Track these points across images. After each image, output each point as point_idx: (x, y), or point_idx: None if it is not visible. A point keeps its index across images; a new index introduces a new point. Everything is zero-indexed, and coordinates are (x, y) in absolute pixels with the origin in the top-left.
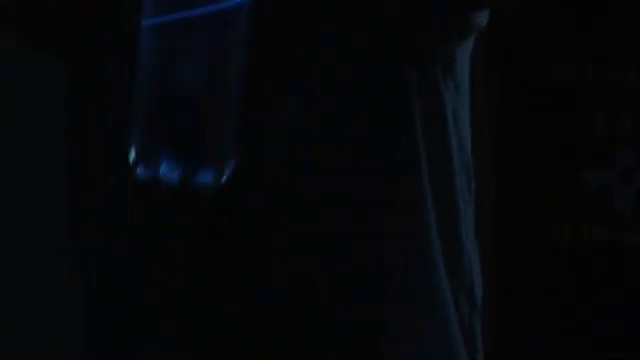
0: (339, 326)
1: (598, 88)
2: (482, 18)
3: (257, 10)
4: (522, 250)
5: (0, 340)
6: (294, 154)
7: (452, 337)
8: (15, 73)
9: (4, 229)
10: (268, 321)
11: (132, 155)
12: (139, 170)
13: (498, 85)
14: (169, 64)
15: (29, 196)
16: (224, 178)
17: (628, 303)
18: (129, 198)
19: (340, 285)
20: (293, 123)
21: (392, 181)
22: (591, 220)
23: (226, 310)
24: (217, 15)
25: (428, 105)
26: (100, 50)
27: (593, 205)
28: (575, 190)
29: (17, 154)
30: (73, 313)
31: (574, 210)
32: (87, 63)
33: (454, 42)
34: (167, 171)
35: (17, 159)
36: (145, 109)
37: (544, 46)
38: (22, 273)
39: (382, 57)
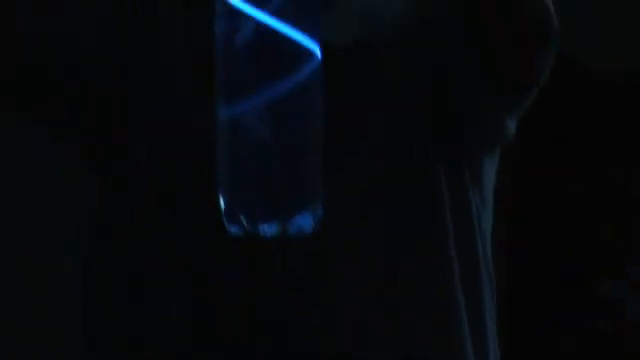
0: None
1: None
2: (512, 129)
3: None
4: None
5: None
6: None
7: None
8: None
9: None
10: None
11: (224, 214)
12: (232, 228)
13: (510, 192)
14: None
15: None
16: (318, 222)
17: None
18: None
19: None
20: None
21: (424, 253)
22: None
23: None
24: (294, 90)
25: (457, 212)
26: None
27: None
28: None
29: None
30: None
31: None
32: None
33: (484, 153)
34: (264, 224)
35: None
36: (234, 165)
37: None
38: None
39: (415, 161)
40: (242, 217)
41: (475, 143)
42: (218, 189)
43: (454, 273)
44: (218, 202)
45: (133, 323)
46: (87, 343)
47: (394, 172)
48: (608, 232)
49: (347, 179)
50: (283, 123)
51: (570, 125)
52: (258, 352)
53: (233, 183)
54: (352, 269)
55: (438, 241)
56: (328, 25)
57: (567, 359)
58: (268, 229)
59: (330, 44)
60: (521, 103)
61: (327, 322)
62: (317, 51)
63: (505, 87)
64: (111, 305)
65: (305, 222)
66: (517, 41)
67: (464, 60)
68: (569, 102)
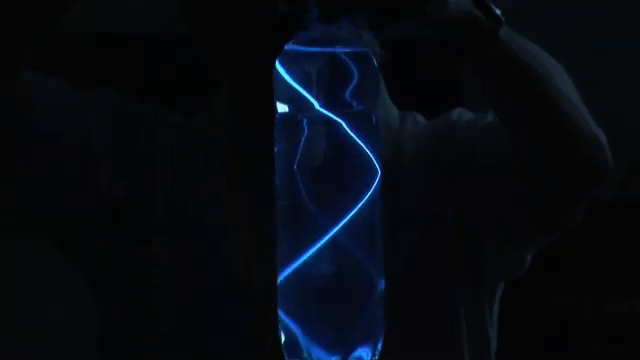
0: None
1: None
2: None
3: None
4: None
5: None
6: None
7: None
8: None
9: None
10: None
11: (284, 346)
12: None
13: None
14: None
15: None
16: (377, 353)
17: None
18: None
19: None
20: None
21: None
22: None
23: None
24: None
25: (473, 335)
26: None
27: None
28: None
29: None
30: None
31: None
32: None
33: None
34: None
35: None
36: (297, 298)
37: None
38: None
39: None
40: (303, 350)
41: (497, 278)
42: (279, 321)
43: None
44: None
45: None
46: None
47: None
48: None
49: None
50: (346, 259)
51: None
52: None
53: (296, 316)
54: None
55: None
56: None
57: None
58: None
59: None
60: (549, 240)
61: None
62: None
63: (546, 229)
64: None
65: (365, 354)
66: (572, 187)
67: (513, 203)
68: None
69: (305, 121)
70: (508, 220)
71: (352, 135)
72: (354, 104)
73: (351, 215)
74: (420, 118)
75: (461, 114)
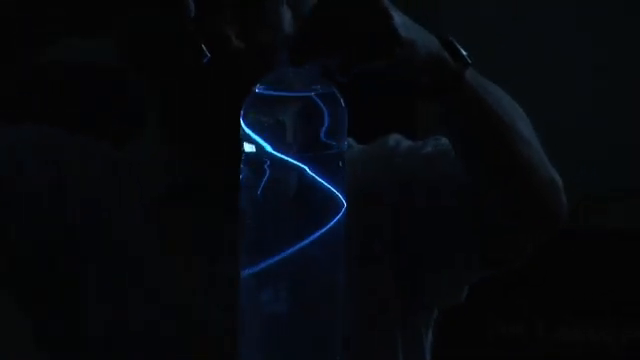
0: None
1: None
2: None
3: None
4: None
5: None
6: None
7: None
8: None
9: None
10: None
11: None
12: None
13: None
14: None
15: None
16: None
17: None
18: None
19: None
20: None
21: None
22: None
23: None
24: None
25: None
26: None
27: None
28: None
29: None
30: None
31: None
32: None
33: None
34: None
35: None
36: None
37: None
38: None
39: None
40: None
41: (434, 305)
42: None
43: None
44: None
45: None
46: None
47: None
48: None
49: None
50: (301, 296)
51: None
52: None
53: (254, 352)
54: None
55: None
56: None
57: None
58: None
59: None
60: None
61: None
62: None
63: (491, 264)
64: None
65: None
66: (525, 229)
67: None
68: None
69: (268, 163)
70: (451, 252)
71: (317, 177)
72: (327, 145)
73: (312, 246)
74: (352, 142)
75: (399, 141)
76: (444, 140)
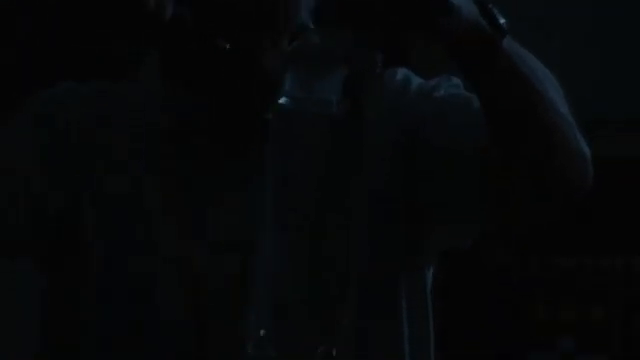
0: None
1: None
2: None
3: None
4: None
5: None
6: None
7: None
8: None
9: None
10: None
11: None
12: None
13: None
14: None
15: None
16: None
17: None
18: None
19: None
20: None
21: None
22: None
23: None
24: None
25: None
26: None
27: None
28: None
29: None
30: None
31: None
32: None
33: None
34: None
35: None
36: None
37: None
38: None
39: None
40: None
41: (439, 249)
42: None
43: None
44: None
45: None
46: None
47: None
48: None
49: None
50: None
51: None
52: None
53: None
54: None
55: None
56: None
57: None
58: None
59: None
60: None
61: None
62: None
63: (500, 223)
64: None
65: None
66: (548, 197)
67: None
68: None
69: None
70: (462, 208)
71: None
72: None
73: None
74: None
75: (408, 76)
76: (456, 80)
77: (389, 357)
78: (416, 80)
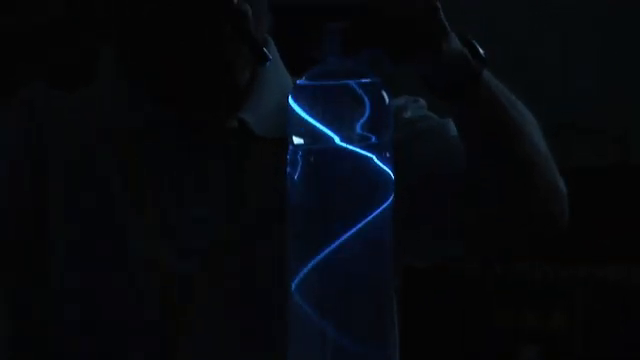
0: None
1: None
2: None
3: None
4: None
5: None
6: None
7: None
8: None
9: None
10: None
11: None
12: None
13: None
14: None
15: None
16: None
17: None
18: None
19: None
20: None
21: None
22: None
23: None
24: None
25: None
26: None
27: None
28: None
29: None
30: None
31: None
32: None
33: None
34: None
35: None
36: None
37: None
38: None
39: None
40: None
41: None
42: None
43: None
44: None
45: None
46: None
47: None
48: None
49: None
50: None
51: None
52: None
53: None
54: None
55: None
56: None
57: None
58: None
59: None
60: None
61: None
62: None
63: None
64: None
65: None
66: (522, 231)
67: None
68: None
69: (317, 152)
70: (429, 227)
71: (366, 163)
72: (369, 136)
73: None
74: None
75: (403, 107)
76: (422, 102)
77: None
78: (412, 108)
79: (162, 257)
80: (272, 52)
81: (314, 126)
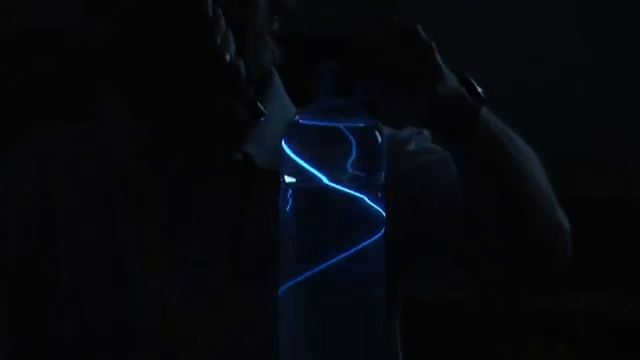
0: None
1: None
2: None
3: None
4: None
5: None
6: None
7: None
8: None
9: None
10: None
11: None
12: None
13: None
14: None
15: None
16: None
17: None
18: None
19: None
20: None
21: None
22: None
23: None
24: None
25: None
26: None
27: None
28: None
29: None
30: None
31: None
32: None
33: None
34: None
35: None
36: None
37: None
38: None
39: None
40: None
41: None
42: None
43: None
44: None
45: None
46: None
47: None
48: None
49: None
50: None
51: None
52: None
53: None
54: None
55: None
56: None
57: None
58: None
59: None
60: None
61: None
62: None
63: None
64: None
65: None
66: (524, 268)
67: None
68: None
69: (309, 191)
70: (430, 262)
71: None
72: (361, 176)
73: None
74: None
75: (407, 139)
76: (426, 134)
77: None
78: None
79: (162, 288)
80: (276, 84)
81: (304, 166)
